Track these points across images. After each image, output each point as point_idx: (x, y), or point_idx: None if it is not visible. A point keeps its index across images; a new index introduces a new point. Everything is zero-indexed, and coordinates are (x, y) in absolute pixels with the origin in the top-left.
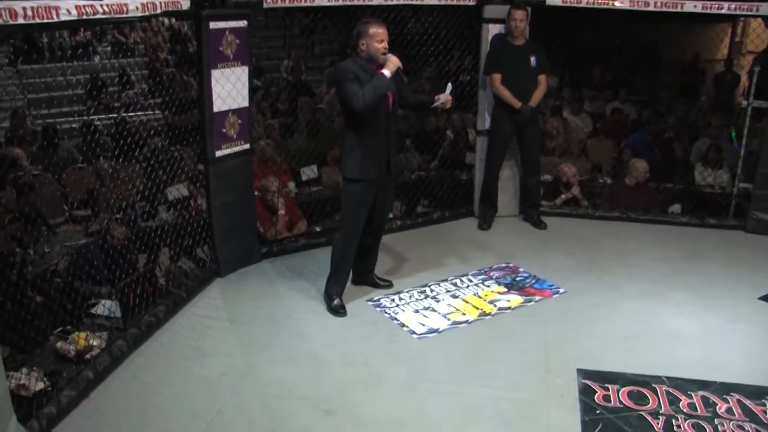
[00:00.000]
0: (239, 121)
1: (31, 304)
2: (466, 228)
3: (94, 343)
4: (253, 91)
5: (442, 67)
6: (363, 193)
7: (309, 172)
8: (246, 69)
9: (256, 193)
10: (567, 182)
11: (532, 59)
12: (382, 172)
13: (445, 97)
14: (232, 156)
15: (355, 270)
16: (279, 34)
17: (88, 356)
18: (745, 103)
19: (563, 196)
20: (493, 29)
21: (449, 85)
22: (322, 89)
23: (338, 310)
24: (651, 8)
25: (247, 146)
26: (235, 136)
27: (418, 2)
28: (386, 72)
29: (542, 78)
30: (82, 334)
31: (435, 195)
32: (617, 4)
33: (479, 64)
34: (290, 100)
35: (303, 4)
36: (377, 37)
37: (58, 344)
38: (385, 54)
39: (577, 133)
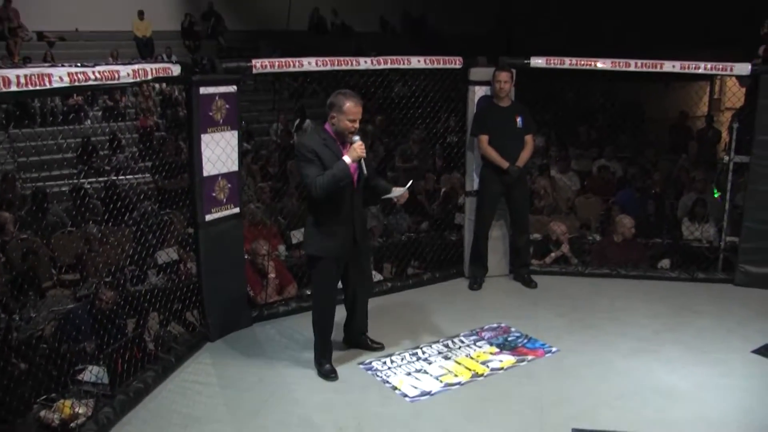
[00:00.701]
0: (229, 185)
1: (15, 371)
2: (456, 289)
3: (80, 411)
4: (242, 154)
5: (429, 129)
6: (327, 269)
7: (299, 235)
8: (235, 133)
9: (246, 257)
10: (556, 240)
11: (518, 120)
12: (347, 248)
13: (400, 193)
14: (221, 220)
15: (347, 332)
16: (268, 98)
17: (73, 425)
18: (726, 158)
19: (553, 255)
20: (479, 91)
21: (410, 182)
22: None
23: (329, 375)
24: (632, 68)
25: (236, 210)
26: (224, 199)
27: (405, 66)
28: (347, 159)
29: (529, 138)
30: (68, 402)
31: (425, 256)
32: (599, 65)
33: (466, 125)
34: (280, 163)
35: (291, 69)
36: (350, 114)
37: (42, 413)
38: (353, 133)
39: (565, 191)
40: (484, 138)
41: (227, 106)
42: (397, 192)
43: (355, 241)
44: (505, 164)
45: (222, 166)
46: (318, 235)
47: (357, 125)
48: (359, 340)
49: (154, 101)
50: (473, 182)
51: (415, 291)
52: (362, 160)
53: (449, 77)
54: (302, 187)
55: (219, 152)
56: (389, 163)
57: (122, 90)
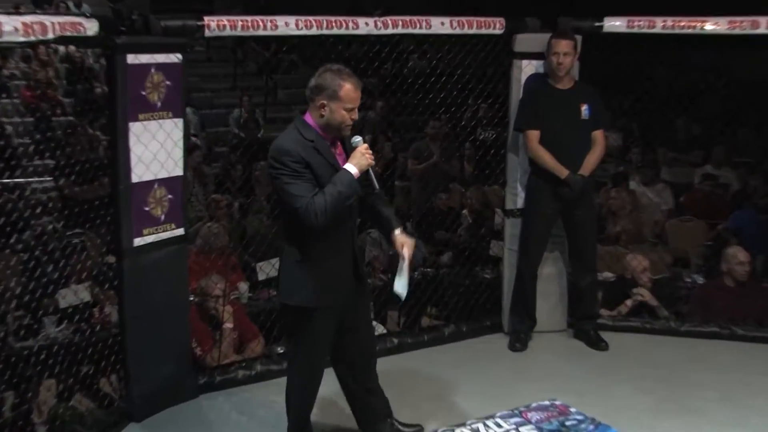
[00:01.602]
0: (169, 196)
1: None
2: (491, 349)
3: None
4: (189, 151)
5: (455, 120)
6: (320, 326)
7: (270, 269)
8: (180, 122)
9: (191, 299)
10: (636, 282)
11: (584, 109)
12: (347, 290)
13: (404, 245)
14: (157, 245)
15: (362, 420)
16: (228, 72)
17: None
18: None
19: (631, 302)
20: (527, 68)
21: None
22: None
23: None
24: (763, 30)
25: (180, 231)
26: (162, 216)
27: (424, 31)
28: (353, 169)
29: (598, 135)
30: None
31: (447, 301)
32: (709, 27)
33: (508, 116)
34: (244, 165)
35: (260, 31)
36: (348, 102)
37: None
38: (349, 126)
39: (650, 211)
40: (534, 134)
41: (167, 82)
42: (401, 239)
43: (358, 277)
44: (564, 172)
45: (159, 168)
46: (305, 277)
47: (355, 116)
48: (384, 427)
49: (57, 71)
50: (517, 197)
51: (432, 351)
52: (370, 170)
53: (485, 47)
54: (286, 213)
55: (155, 148)
56: (396, 169)
57: (3, 52)
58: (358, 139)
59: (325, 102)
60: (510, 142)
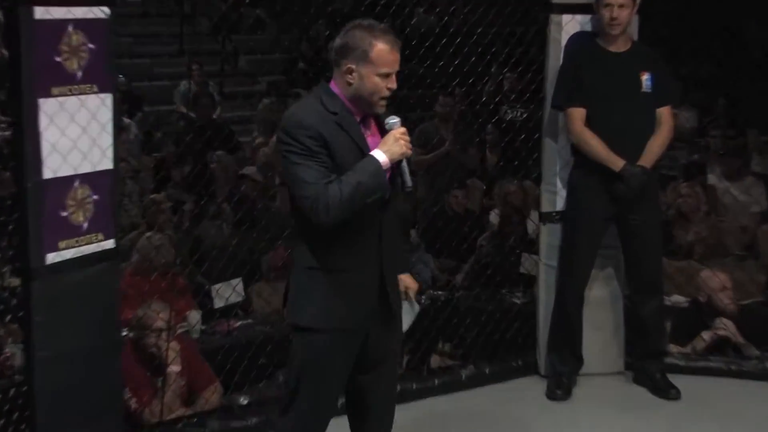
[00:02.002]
0: (94, 197)
1: None
2: (523, 397)
3: None
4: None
5: (473, 95)
6: (329, 355)
7: (229, 293)
8: (108, 98)
9: (125, 334)
10: (716, 308)
11: (645, 78)
12: (371, 311)
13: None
14: (78, 262)
15: None
16: (172, 32)
17: None
18: None
19: (710, 335)
20: (569, 25)
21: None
22: (255, 137)
23: None
24: None
25: (110, 243)
26: (85, 224)
27: None
28: (381, 156)
29: (664, 113)
30: None
31: (464, 334)
32: None
33: (543, 89)
34: (194, 157)
35: None
36: (383, 65)
37: None
38: (384, 99)
39: (735, 214)
40: (579, 113)
41: (90, 45)
42: (406, 281)
43: (385, 298)
44: (618, 163)
45: (81, 160)
46: (317, 289)
47: (393, 84)
48: None
49: None
50: (556, 197)
51: (445, 400)
52: (404, 162)
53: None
54: (292, 200)
55: (75, 134)
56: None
57: None
58: (394, 120)
59: (353, 66)
60: (546, 124)
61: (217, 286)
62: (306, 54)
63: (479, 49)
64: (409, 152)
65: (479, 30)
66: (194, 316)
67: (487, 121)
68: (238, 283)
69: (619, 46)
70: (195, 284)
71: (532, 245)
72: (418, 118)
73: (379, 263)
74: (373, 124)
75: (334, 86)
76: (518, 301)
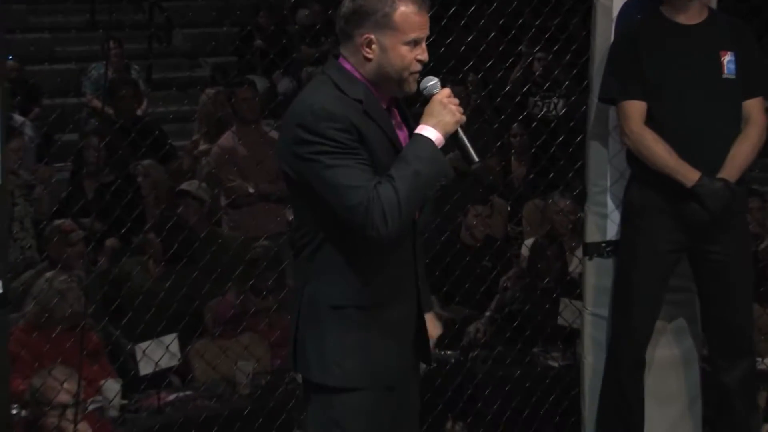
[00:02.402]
0: None
1: None
2: None
3: None
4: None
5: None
6: (378, 416)
7: (159, 354)
8: None
9: (15, 411)
10: None
11: (727, 60)
12: (407, 359)
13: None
14: None
15: None
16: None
17: None
18: None
19: None
20: None
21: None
22: (196, 141)
23: None
24: None
25: None
26: None
27: None
28: (432, 133)
29: (754, 108)
30: None
31: (482, 409)
32: None
33: (588, 75)
34: (112, 168)
35: None
36: (412, 29)
37: None
38: (415, 75)
39: None
40: (638, 108)
41: None
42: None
43: (420, 334)
44: (692, 175)
45: None
46: (352, 336)
47: (425, 54)
48: None
49: None
50: (606, 222)
51: None
52: (460, 132)
53: None
54: (317, 225)
55: None
56: None
57: None
58: (432, 82)
59: (371, 35)
60: (592, 123)
61: (143, 345)
62: (264, 27)
63: (501, 21)
64: (463, 118)
65: (494, 3)
66: (111, 386)
67: (512, 119)
68: (172, 341)
69: (692, 17)
70: (113, 343)
71: (574, 288)
72: (416, 115)
73: (415, 292)
74: (396, 113)
75: (349, 66)
76: (556, 364)
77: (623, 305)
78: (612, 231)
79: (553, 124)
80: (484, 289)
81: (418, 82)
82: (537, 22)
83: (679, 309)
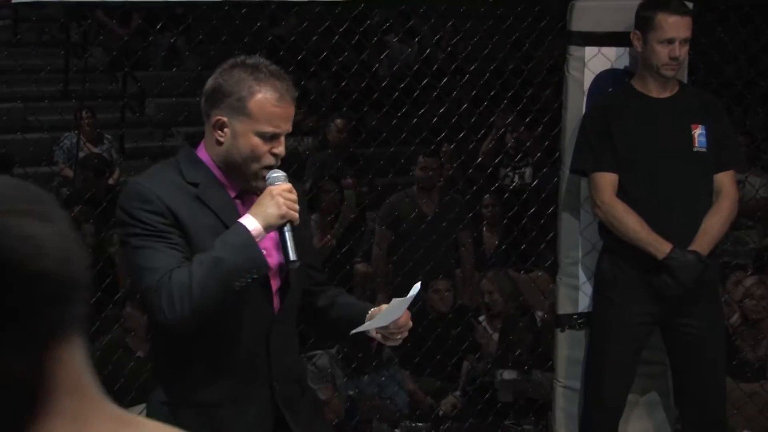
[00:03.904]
0: None
1: None
2: None
3: None
4: None
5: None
6: None
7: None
8: None
9: None
10: None
11: (697, 133)
12: None
13: (389, 317)
14: None
15: None
16: (54, 65)
17: None
18: None
19: None
20: (595, 60)
21: (416, 286)
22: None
23: None
24: None
25: None
26: None
27: None
28: (252, 223)
29: (725, 180)
30: None
31: None
32: None
33: (560, 146)
34: (85, 237)
35: None
36: (266, 121)
37: None
38: (266, 169)
39: None
40: (609, 180)
41: None
42: (384, 316)
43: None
44: (663, 247)
45: None
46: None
47: (280, 148)
48: None
49: None
50: (578, 293)
51: None
52: (289, 230)
53: (519, 23)
54: (141, 301)
55: None
56: (362, 238)
57: None
58: (277, 174)
59: (223, 118)
60: (564, 194)
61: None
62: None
63: (473, 92)
64: (293, 215)
65: (473, 66)
66: None
67: (484, 189)
68: (141, 412)
69: (663, 90)
70: None
71: (545, 360)
72: (389, 186)
73: (268, 392)
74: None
75: (201, 150)
76: None
77: (595, 377)
78: (583, 303)
79: (524, 195)
80: (456, 361)
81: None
82: (509, 93)
83: (651, 382)
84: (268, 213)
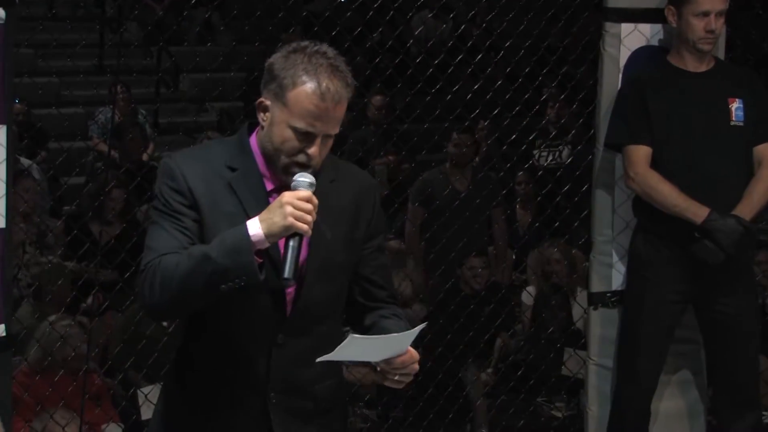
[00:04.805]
0: None
1: None
2: None
3: None
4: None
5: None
6: None
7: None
8: (2, 130)
9: None
10: None
11: (735, 107)
12: None
13: (390, 347)
14: None
15: None
16: (89, 40)
17: None
18: None
19: None
20: (631, 37)
21: (420, 326)
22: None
23: None
24: None
25: None
26: None
27: None
28: (254, 227)
29: (765, 153)
30: None
31: None
32: None
33: (595, 122)
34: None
35: None
36: (301, 115)
37: None
38: (299, 165)
39: None
40: (642, 153)
41: None
42: (380, 348)
43: None
44: (702, 211)
45: None
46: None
47: (314, 149)
48: None
49: None
50: (612, 271)
51: None
52: (294, 245)
53: (553, 2)
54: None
55: None
56: (397, 215)
57: None
58: (301, 179)
59: (267, 102)
60: (598, 171)
61: (146, 389)
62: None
63: (507, 69)
64: (301, 226)
65: (508, 43)
66: (113, 431)
67: (517, 166)
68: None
69: (700, 65)
70: (121, 383)
71: (577, 338)
72: (423, 163)
73: (261, 418)
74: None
75: (253, 138)
76: (559, 414)
77: (628, 356)
78: (617, 281)
79: (558, 173)
80: (488, 338)
81: (296, 166)
82: (544, 70)
83: (684, 360)
84: (273, 221)
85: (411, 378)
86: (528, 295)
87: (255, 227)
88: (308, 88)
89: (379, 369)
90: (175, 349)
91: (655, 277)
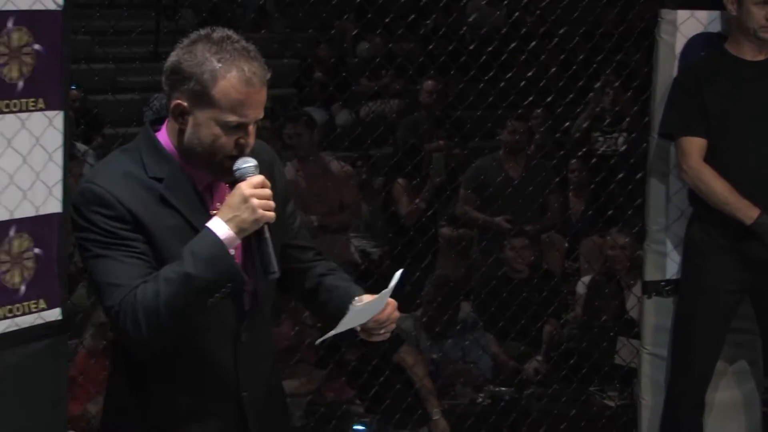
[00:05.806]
0: (36, 250)
1: None
2: None
3: None
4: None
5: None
6: None
7: None
8: (58, 117)
9: None
10: None
11: None
12: None
13: (372, 308)
14: (13, 338)
15: None
16: (146, 27)
17: None
18: None
19: None
20: (687, 24)
21: (397, 274)
22: None
23: None
24: None
25: (55, 313)
26: (23, 288)
27: None
28: (222, 228)
29: None
30: None
31: None
32: None
33: (650, 111)
34: None
35: None
36: (231, 110)
37: None
38: (232, 160)
39: None
40: (698, 146)
41: (38, 46)
42: (362, 312)
43: None
44: (751, 212)
45: (20, 200)
46: None
47: (248, 139)
48: None
49: None
50: (666, 260)
51: None
52: (266, 231)
53: None
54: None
55: (12, 165)
56: (450, 199)
57: None
58: (246, 165)
59: (184, 104)
60: (653, 159)
61: None
62: (324, 60)
63: (562, 56)
64: (269, 215)
65: (562, 30)
66: None
67: (571, 155)
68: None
69: (757, 54)
70: None
71: (631, 326)
72: (477, 149)
73: (234, 412)
74: (227, 190)
75: (163, 134)
76: (612, 404)
77: (683, 345)
78: (671, 270)
79: (612, 161)
80: (541, 326)
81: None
82: (599, 57)
83: (740, 350)
84: (242, 219)
85: (394, 326)
86: (582, 285)
87: (222, 229)
88: (233, 79)
89: (360, 329)
90: (112, 362)
91: (711, 265)
